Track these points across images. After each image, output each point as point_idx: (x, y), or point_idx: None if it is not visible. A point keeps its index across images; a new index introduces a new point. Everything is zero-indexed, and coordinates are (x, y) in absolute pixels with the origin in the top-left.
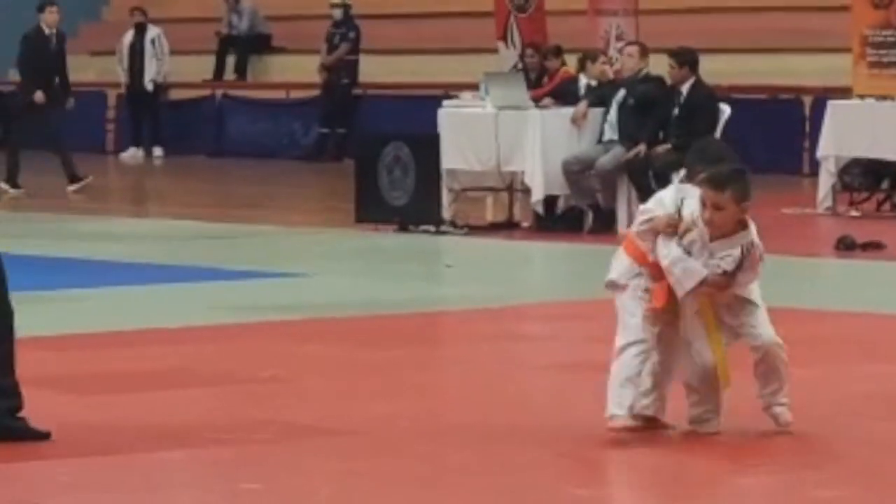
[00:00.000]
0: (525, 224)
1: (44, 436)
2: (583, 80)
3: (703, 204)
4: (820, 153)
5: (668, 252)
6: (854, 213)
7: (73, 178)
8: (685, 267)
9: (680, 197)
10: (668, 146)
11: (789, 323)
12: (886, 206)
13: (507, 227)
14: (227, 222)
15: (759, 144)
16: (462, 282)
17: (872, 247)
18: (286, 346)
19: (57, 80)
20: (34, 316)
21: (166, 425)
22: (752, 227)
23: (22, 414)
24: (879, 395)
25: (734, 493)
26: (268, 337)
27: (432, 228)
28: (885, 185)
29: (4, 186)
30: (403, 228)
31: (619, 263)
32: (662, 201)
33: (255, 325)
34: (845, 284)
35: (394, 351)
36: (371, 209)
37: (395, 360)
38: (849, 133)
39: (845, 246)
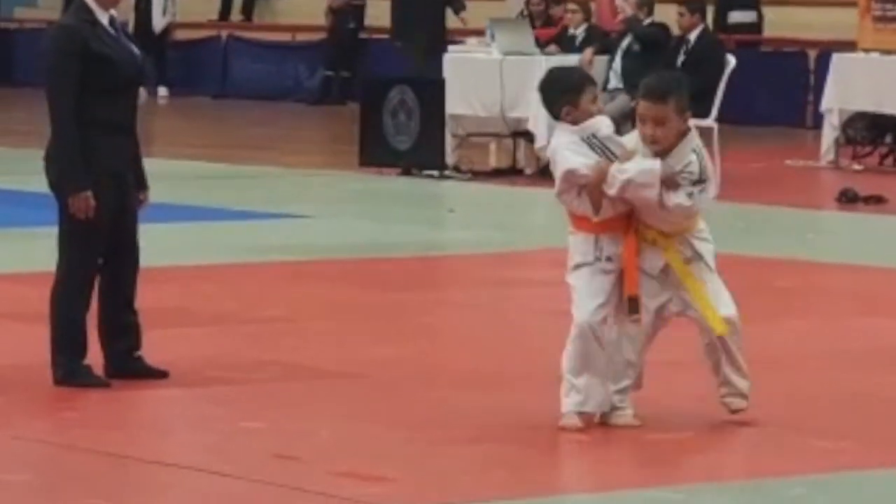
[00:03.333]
0: (528, 170)
1: (162, 374)
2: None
3: (642, 120)
4: (824, 106)
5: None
6: (857, 166)
7: None
8: (639, 168)
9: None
10: None
11: (789, 274)
12: (889, 159)
13: (510, 173)
14: (231, 163)
15: (763, 97)
16: (464, 227)
17: (874, 200)
18: (289, 287)
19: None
20: (35, 251)
21: (168, 364)
22: (694, 132)
23: (139, 353)
24: (876, 349)
25: (733, 444)
26: (270, 278)
27: (436, 173)
28: (888, 139)
29: None
30: (407, 172)
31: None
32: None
33: (258, 265)
34: (846, 237)
35: (396, 294)
36: (375, 153)
37: (397, 304)
38: (853, 87)
39: (847, 199)
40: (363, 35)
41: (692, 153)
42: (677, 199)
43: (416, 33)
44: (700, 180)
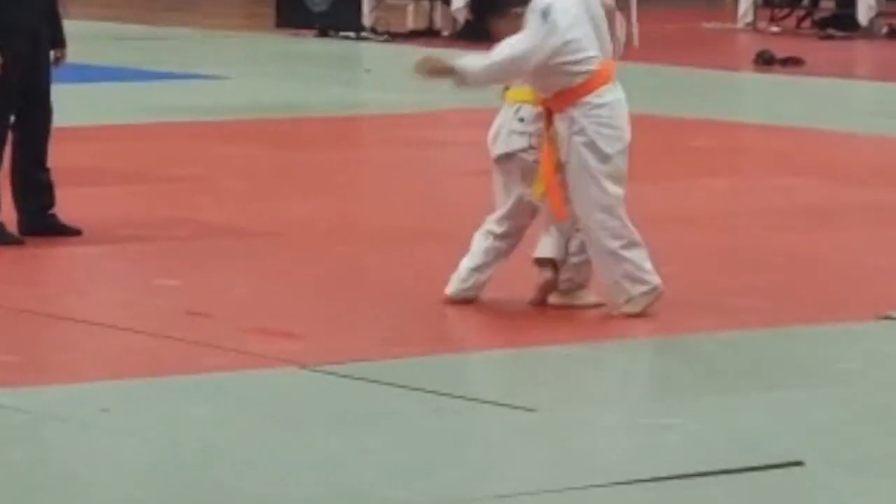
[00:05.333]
0: (445, 32)
1: (75, 232)
2: None
3: None
4: None
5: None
6: (774, 28)
7: None
8: None
9: None
10: None
11: (706, 134)
12: (806, 22)
13: (427, 34)
14: (148, 25)
15: None
16: (382, 87)
17: (791, 62)
18: (205, 146)
19: None
20: None
21: (81, 222)
22: None
23: (53, 211)
24: (794, 207)
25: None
26: (187, 137)
27: (352, 34)
28: (805, 1)
29: None
30: (323, 34)
31: None
32: None
33: (174, 125)
34: (763, 98)
35: (312, 154)
36: (292, 14)
37: (314, 163)
38: None
39: (764, 61)
40: None
41: None
42: None
43: None
44: None
